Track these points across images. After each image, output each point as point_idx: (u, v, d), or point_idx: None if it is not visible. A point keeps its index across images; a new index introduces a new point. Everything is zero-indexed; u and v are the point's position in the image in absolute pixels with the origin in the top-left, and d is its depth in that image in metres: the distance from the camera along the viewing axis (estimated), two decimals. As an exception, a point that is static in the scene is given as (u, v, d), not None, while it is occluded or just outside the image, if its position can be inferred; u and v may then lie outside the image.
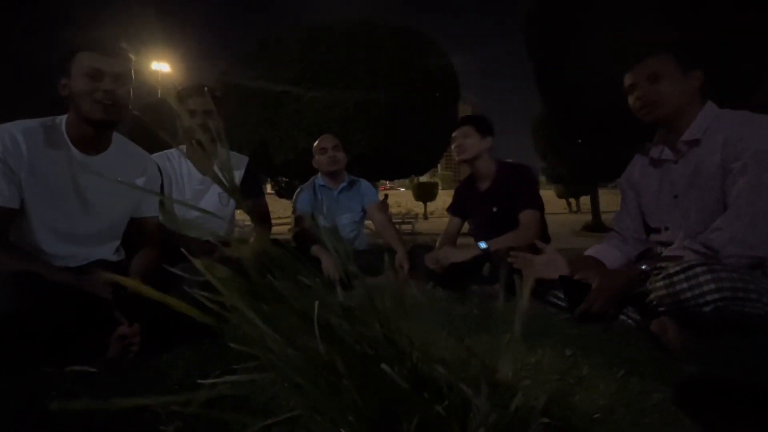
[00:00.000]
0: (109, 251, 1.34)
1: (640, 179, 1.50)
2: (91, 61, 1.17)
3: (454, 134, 2.10)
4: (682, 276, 1.05)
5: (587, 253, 1.56)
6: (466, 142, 2.04)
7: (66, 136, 1.22)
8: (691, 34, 3.60)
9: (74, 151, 1.23)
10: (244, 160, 1.90)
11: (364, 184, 2.48)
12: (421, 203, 22.93)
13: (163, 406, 0.43)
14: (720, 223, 1.18)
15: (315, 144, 2.41)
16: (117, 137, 1.35)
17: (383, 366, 0.43)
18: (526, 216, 1.92)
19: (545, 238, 2.03)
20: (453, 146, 2.11)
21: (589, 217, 11.35)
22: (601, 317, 1.25)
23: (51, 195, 1.19)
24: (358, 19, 9.18)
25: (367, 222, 2.50)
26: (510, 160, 2.16)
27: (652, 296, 1.11)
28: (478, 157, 2.05)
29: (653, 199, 1.44)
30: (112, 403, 0.33)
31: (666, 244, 1.34)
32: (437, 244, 2.18)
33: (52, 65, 1.26)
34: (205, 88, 1.77)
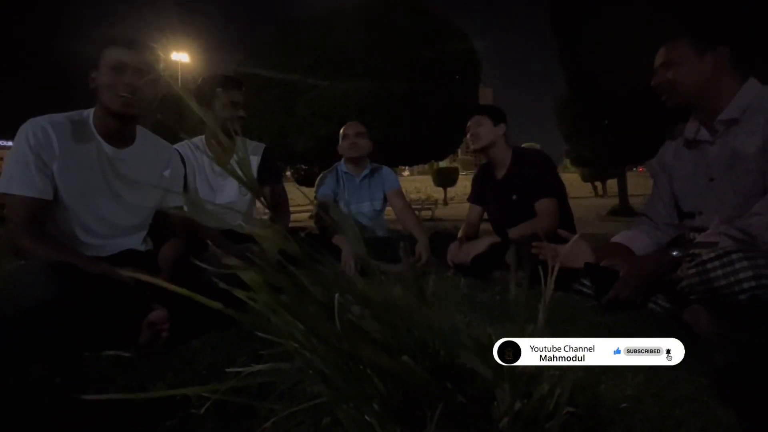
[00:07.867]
0: (137, 241, 1.38)
1: (674, 161, 1.43)
2: (116, 55, 1.20)
3: (468, 124, 2.12)
4: (716, 263, 1.00)
5: (614, 239, 1.52)
6: (479, 131, 2.06)
7: (94, 129, 1.26)
8: (718, 9, 3.36)
9: (104, 144, 1.27)
10: (261, 147, 1.93)
11: (386, 170, 2.48)
12: (441, 189, 22.72)
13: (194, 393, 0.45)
14: (759, 207, 1.12)
15: (341, 130, 2.42)
16: (141, 130, 1.38)
17: (405, 358, 0.43)
18: (544, 204, 1.92)
19: (569, 224, 1.99)
20: (468, 136, 2.14)
21: (615, 201, 10.96)
22: (630, 305, 1.22)
23: (82, 187, 1.23)
24: (375, 1, 9.01)
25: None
26: (525, 145, 2.16)
27: (683, 284, 1.07)
28: (493, 144, 2.07)
29: (688, 182, 1.38)
30: (146, 393, 0.35)
31: (699, 230, 1.28)
32: (459, 233, 2.17)
33: (85, 61, 1.28)
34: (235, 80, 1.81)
